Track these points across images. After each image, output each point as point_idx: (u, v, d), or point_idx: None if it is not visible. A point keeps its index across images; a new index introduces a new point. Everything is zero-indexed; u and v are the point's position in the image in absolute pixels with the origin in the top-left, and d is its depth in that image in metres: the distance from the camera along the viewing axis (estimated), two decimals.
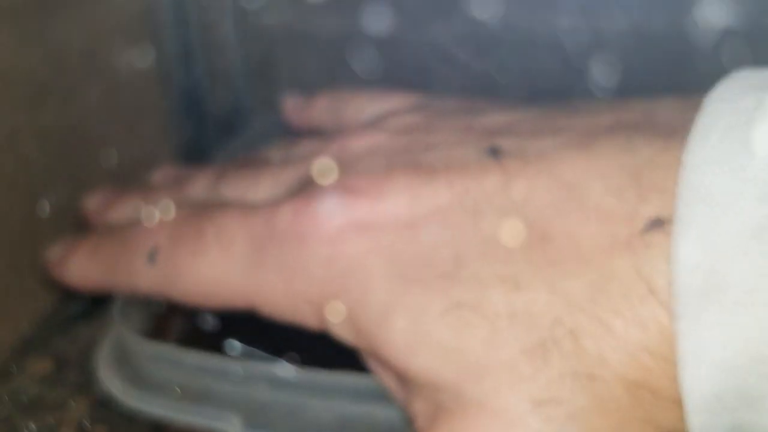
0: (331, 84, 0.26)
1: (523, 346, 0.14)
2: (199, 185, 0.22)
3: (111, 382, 0.20)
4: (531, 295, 0.15)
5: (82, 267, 0.21)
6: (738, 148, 0.13)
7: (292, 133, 0.26)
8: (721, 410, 0.13)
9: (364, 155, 0.18)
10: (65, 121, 0.27)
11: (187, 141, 0.36)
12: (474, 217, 0.16)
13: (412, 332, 0.15)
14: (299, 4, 0.32)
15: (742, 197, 0.13)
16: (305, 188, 0.18)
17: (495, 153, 0.16)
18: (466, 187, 0.16)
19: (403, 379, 0.16)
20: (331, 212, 0.17)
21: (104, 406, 0.22)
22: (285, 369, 0.19)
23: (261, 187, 0.20)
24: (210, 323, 0.21)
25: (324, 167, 0.18)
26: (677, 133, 0.15)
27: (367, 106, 0.23)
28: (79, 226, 0.24)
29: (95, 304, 0.26)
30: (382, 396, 0.18)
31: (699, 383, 0.13)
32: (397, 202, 0.16)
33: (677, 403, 0.14)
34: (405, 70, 0.30)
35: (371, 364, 0.18)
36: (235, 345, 0.21)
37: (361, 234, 0.16)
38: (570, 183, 0.15)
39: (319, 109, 0.25)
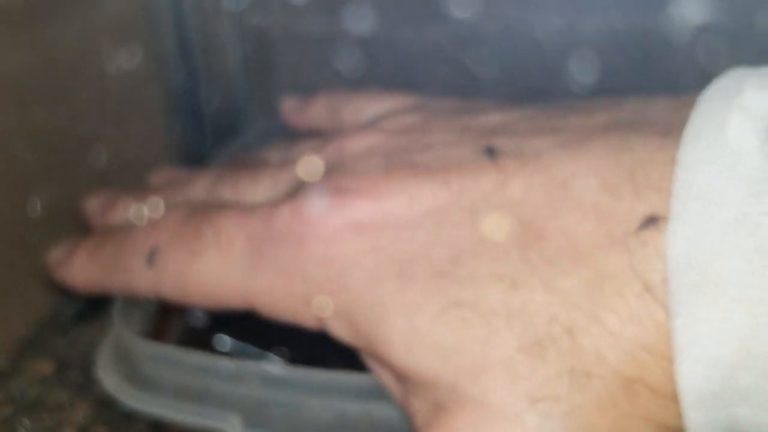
0: (327, 85, 0.26)
1: (520, 344, 0.15)
2: (198, 187, 0.22)
3: (111, 382, 0.20)
4: (528, 293, 0.15)
5: (82, 268, 0.21)
6: (732, 147, 0.14)
7: (291, 135, 0.26)
8: (717, 406, 0.13)
9: (361, 156, 0.18)
10: (58, 123, 0.27)
11: (185, 142, 0.36)
12: (471, 216, 0.16)
13: (409, 331, 0.15)
14: (293, 6, 0.32)
15: (735, 195, 0.13)
16: (303, 189, 0.18)
17: (491, 153, 0.16)
18: (463, 186, 0.16)
19: (402, 377, 0.16)
20: (329, 213, 0.17)
21: (104, 407, 0.22)
22: (284, 369, 0.19)
23: (259, 188, 0.20)
24: (208, 324, 0.21)
25: (322, 168, 0.19)
26: (672, 131, 0.15)
27: (365, 107, 0.23)
28: (79, 227, 0.24)
29: (95, 305, 0.26)
30: (380, 395, 0.18)
31: (695, 379, 0.13)
32: (395, 203, 0.17)
33: (674, 399, 0.14)
34: (388, 69, 0.30)
35: (370, 363, 0.18)
36: (224, 340, 0.21)
37: (358, 234, 0.16)
38: (566, 182, 0.15)
39: (317, 111, 0.25)
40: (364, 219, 0.16)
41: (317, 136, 0.23)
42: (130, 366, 0.21)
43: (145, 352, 0.20)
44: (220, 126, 0.35)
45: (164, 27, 0.33)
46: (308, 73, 0.33)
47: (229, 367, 0.19)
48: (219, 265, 0.18)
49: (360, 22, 0.29)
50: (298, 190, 0.18)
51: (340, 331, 0.17)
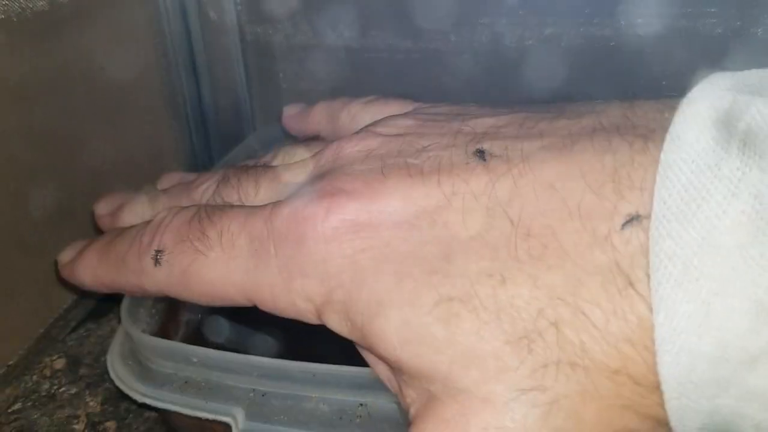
0: (326, 92, 0.26)
1: (508, 337, 0.15)
2: (203, 189, 0.22)
3: (120, 378, 0.21)
4: (515, 289, 0.15)
5: (91, 268, 0.21)
6: (712, 147, 0.14)
7: (292, 140, 0.27)
8: (698, 396, 0.14)
9: (358, 158, 0.19)
10: (69, 129, 0.28)
11: (191, 147, 0.36)
12: (462, 216, 0.16)
13: (403, 325, 0.16)
14: (293, 18, 0.32)
15: (716, 194, 0.14)
16: (302, 191, 0.18)
17: (482, 155, 0.17)
18: (454, 188, 0.16)
19: (397, 370, 0.17)
20: (327, 213, 0.17)
21: (114, 402, 0.22)
22: (285, 363, 0.19)
23: (261, 190, 0.20)
24: (212, 319, 0.21)
25: (320, 171, 0.19)
26: (655, 133, 0.15)
27: (362, 113, 0.24)
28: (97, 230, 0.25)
29: (105, 304, 0.27)
30: (377, 387, 0.18)
31: (676, 371, 0.14)
32: (391, 203, 0.17)
33: (656, 389, 0.14)
34: (385, 77, 0.30)
35: (366, 356, 0.18)
36: (227, 334, 0.21)
37: (355, 233, 0.17)
38: (552, 183, 0.16)
39: (317, 117, 0.26)
40: (360, 219, 0.17)
41: (317, 141, 0.24)
42: (138, 362, 0.21)
43: (152, 348, 0.21)
44: (224, 132, 0.36)
45: (172, 38, 0.33)
46: (308, 81, 0.33)
47: (233, 362, 0.20)
48: (223, 264, 0.18)
49: (357, 33, 0.29)
50: (297, 191, 0.19)
51: (338, 325, 0.17)
